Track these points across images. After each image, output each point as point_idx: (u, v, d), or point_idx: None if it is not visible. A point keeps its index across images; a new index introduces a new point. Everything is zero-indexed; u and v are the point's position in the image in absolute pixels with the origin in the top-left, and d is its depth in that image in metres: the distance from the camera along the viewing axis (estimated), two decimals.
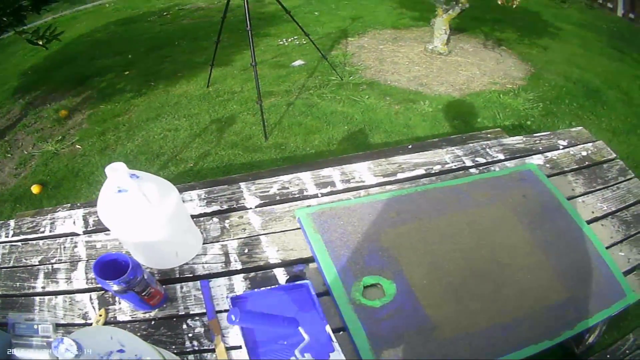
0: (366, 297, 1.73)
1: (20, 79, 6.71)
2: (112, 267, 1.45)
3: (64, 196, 4.21)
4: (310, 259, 1.86)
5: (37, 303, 1.73)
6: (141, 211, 1.52)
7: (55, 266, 1.86)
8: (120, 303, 1.71)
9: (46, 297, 1.74)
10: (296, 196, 2.14)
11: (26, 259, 1.90)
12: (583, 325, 1.73)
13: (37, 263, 1.88)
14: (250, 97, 5.20)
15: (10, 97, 6.15)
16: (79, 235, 1.98)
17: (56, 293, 1.76)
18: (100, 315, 1.66)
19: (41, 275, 1.83)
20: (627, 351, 2.30)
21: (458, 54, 6.48)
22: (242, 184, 2.19)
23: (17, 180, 4.56)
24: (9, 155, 4.94)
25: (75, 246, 1.93)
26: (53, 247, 1.93)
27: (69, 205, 2.55)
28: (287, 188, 2.17)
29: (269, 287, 1.69)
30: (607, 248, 2.00)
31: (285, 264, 1.84)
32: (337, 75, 5.74)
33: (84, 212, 2.07)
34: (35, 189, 4.29)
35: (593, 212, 2.15)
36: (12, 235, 2.02)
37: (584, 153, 2.48)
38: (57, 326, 1.66)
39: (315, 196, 2.14)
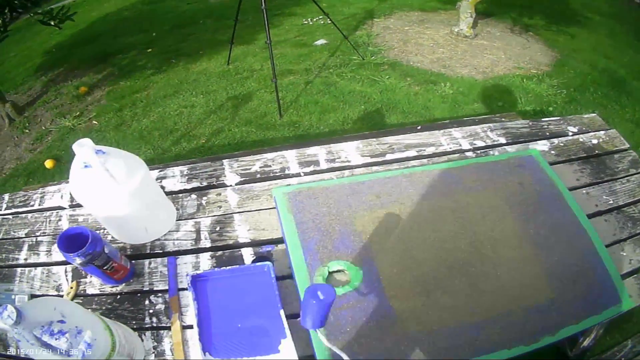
0: (329, 283, 1.65)
1: (44, 56, 6.77)
2: (77, 239, 1.45)
3: None
4: (281, 240, 1.81)
5: (18, 274, 1.75)
6: (105, 187, 1.51)
7: (39, 239, 1.87)
8: (90, 277, 1.71)
9: (27, 269, 1.76)
10: (277, 174, 2.09)
11: (14, 232, 1.92)
12: (567, 332, 1.62)
13: (23, 236, 1.89)
14: (269, 75, 5.11)
15: (32, 74, 6.22)
16: (64, 209, 1.98)
17: (36, 265, 1.78)
18: (72, 288, 1.67)
19: (25, 247, 1.84)
20: (623, 359, 2.22)
21: (484, 38, 6.39)
22: (225, 161, 2.15)
23: (33, 155, 4.60)
24: (27, 131, 4.97)
25: (60, 219, 1.93)
26: (40, 221, 1.94)
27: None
28: (270, 166, 2.13)
29: (230, 267, 1.65)
30: (607, 246, 1.87)
31: (254, 244, 1.81)
32: (358, 55, 5.67)
33: None
34: (48, 163, 4.31)
35: (597, 206, 2.05)
36: (5, 209, 2.04)
37: (595, 141, 2.37)
38: (33, 297, 1.67)
39: (298, 175, 2.09)
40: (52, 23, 5.03)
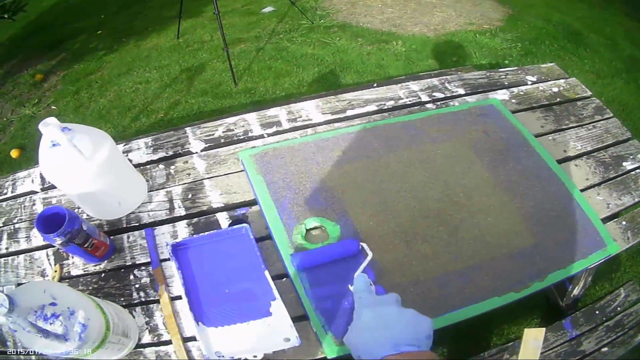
0: (309, 240, 1.68)
1: None
2: (54, 220, 1.45)
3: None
4: (253, 202, 1.83)
5: (2, 264, 1.72)
6: (75, 163, 1.51)
7: (17, 226, 1.84)
8: (73, 258, 1.69)
9: (9, 258, 1.74)
10: (241, 138, 2.10)
11: None
12: (556, 277, 1.64)
13: (1, 225, 1.86)
14: (220, 45, 5.13)
15: None
16: (37, 192, 1.95)
17: (18, 253, 1.75)
18: (56, 271, 1.64)
19: (5, 236, 1.81)
20: (619, 308, 2.26)
21: None
22: (188, 129, 2.14)
23: None
24: None
25: (34, 204, 1.90)
26: (15, 207, 1.91)
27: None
28: (232, 130, 2.13)
29: (208, 232, 1.67)
30: (582, 191, 1.92)
31: (228, 208, 1.82)
32: (307, 19, 5.69)
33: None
34: (14, 153, 4.28)
35: (565, 151, 2.08)
36: None
37: (555, 89, 2.40)
38: (19, 285, 1.64)
39: (261, 137, 2.10)
40: (6, 16, 5.01)
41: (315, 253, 1.58)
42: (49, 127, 1.45)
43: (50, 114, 4.45)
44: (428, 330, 1.13)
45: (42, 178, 2.00)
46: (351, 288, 1.38)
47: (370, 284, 1.33)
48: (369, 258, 1.51)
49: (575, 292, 2.37)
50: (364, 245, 1.57)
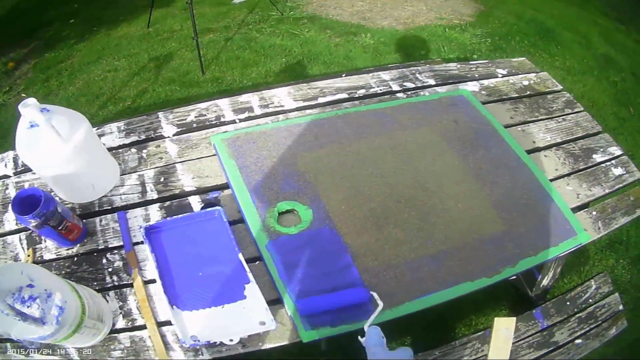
0: (281, 223, 1.70)
1: None
2: (30, 203, 1.45)
3: (10, 145, 4.12)
4: (226, 186, 1.84)
5: None
6: (52, 144, 1.52)
7: None
8: (45, 241, 1.69)
9: None
10: (213, 123, 2.11)
11: None
12: (527, 263, 1.69)
13: None
14: (189, 35, 5.08)
15: None
16: (9, 177, 1.94)
17: None
18: (29, 255, 1.64)
19: None
20: (590, 300, 2.29)
21: None
22: (160, 114, 2.15)
23: None
24: None
25: (7, 188, 1.89)
26: None
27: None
28: (205, 115, 2.14)
29: (181, 215, 1.67)
30: (551, 181, 1.96)
31: (200, 192, 1.83)
32: (277, 11, 5.68)
33: (15, 154, 2.02)
34: None
35: (534, 142, 2.13)
36: None
37: (526, 82, 2.44)
38: None
39: (233, 122, 2.11)
40: None
41: (323, 300, 1.54)
42: (28, 108, 1.46)
43: (19, 102, 4.46)
44: None
45: (15, 162, 1.99)
46: (362, 340, 1.36)
47: (382, 337, 1.32)
48: (379, 309, 1.50)
49: (545, 282, 2.40)
50: (375, 294, 1.55)
